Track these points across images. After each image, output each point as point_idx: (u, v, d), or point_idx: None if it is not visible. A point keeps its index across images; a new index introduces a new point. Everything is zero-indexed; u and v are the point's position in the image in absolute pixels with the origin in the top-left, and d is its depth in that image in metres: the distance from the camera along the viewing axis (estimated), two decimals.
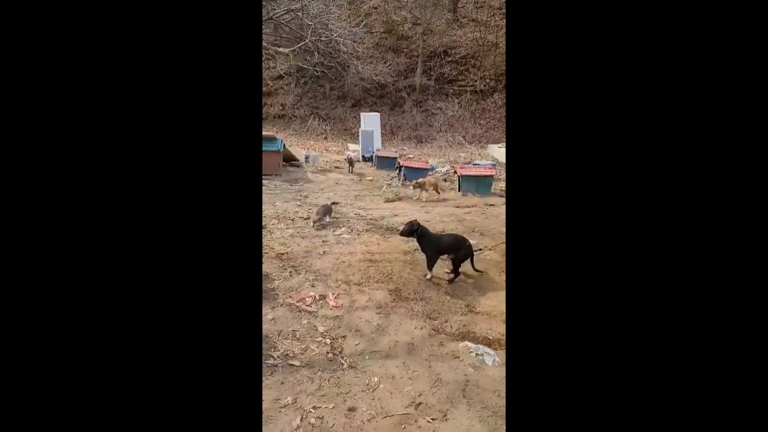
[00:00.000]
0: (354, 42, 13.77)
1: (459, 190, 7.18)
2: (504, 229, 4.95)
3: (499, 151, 10.96)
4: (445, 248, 3.45)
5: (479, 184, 7.14)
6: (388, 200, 6.51)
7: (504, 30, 15.60)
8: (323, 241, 4.26)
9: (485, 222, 5.34)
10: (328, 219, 4.69)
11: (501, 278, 3.52)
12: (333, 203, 5.32)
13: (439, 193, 6.70)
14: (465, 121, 14.75)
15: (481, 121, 14.71)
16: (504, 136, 12.56)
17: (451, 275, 3.47)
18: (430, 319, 2.80)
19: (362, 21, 15.49)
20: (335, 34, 12.98)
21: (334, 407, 1.90)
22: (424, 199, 6.53)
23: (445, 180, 8.19)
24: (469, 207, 6.20)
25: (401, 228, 3.51)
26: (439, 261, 3.47)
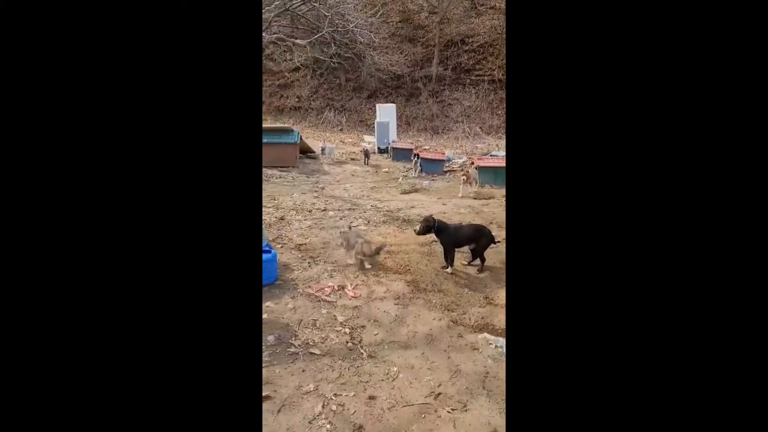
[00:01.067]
0: (370, 32, 13.64)
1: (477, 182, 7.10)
2: None
3: None
4: (465, 240, 3.44)
5: (497, 175, 7.03)
6: (404, 192, 6.49)
7: None
8: (341, 233, 4.29)
9: (503, 214, 5.26)
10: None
11: None
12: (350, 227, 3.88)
13: (472, 185, 6.53)
14: (482, 112, 14.49)
15: (499, 112, 14.41)
16: None
17: (474, 265, 3.47)
18: (448, 310, 2.79)
19: (378, 11, 15.31)
20: (352, 25, 12.89)
21: (354, 395, 1.93)
22: (469, 193, 6.27)
23: (460, 172, 8.10)
24: (486, 199, 6.13)
25: (417, 228, 3.46)
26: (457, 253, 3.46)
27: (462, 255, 3.59)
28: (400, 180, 7.40)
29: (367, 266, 3.36)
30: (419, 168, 7.88)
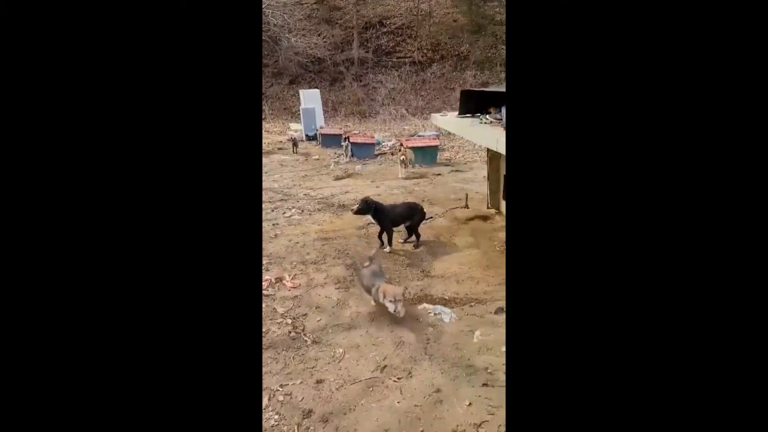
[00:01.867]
0: (284, 14, 12.99)
1: None
2: (452, 196, 5.15)
3: (441, 120, 11.16)
4: (400, 218, 3.55)
5: (425, 154, 7.28)
6: (337, 178, 6.43)
7: None
8: (273, 224, 4.15)
9: (434, 191, 5.50)
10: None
11: (452, 242, 3.69)
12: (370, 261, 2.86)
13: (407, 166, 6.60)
14: (406, 94, 14.76)
15: (422, 93, 14.80)
16: (445, 105, 12.78)
17: (411, 241, 3.60)
18: None
19: None
20: (263, 6, 12.12)
21: (301, 382, 1.92)
22: (403, 176, 6.35)
23: (392, 153, 8.24)
24: (417, 178, 6.33)
25: (355, 207, 3.48)
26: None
27: (398, 234, 3.70)
28: (331, 166, 7.30)
29: (400, 313, 2.37)
30: (350, 153, 7.84)
